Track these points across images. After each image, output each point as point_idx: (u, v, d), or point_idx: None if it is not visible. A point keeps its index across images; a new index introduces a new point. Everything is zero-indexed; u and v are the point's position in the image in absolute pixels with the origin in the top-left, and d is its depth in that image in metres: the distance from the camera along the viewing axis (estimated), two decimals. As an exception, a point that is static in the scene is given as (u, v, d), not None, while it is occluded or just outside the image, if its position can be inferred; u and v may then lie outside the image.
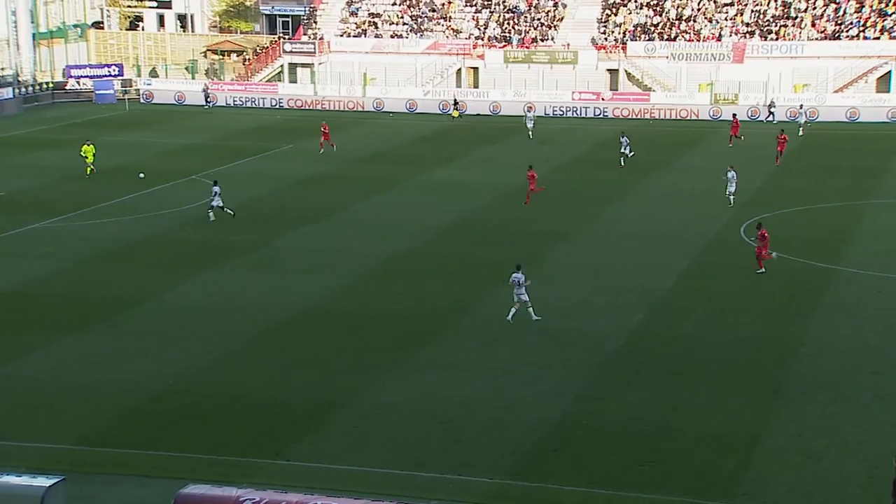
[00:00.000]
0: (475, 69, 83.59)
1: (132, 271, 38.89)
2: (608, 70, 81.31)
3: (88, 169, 55.14)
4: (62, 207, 47.99)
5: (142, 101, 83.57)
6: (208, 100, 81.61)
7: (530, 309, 32.67)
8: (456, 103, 77.22)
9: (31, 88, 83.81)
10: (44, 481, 20.18)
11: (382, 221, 46.38)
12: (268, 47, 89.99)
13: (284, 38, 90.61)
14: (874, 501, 22.13)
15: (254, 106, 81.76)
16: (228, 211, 45.55)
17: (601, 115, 77.15)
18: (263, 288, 36.84)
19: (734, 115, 67.24)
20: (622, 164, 57.69)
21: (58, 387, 28.34)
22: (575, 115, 77.48)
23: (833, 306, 34.86)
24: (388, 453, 24.74)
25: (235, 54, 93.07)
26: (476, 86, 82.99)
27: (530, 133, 67.24)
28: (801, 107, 70.66)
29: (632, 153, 58.44)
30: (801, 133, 67.39)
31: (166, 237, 43.84)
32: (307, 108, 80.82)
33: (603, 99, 78.49)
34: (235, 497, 19.66)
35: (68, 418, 26.58)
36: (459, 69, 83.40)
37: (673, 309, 34.97)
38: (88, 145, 55.84)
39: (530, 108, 72.35)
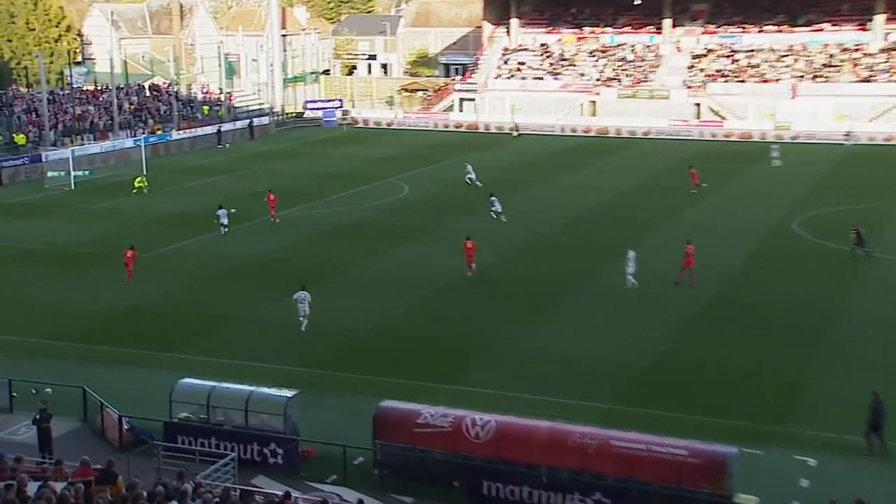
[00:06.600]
0: (594, 102, 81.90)
1: (345, 246, 39.37)
2: (695, 103, 78.53)
3: (135, 191, 50.01)
4: (301, 200, 48.87)
5: (355, 125, 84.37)
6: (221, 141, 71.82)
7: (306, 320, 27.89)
8: (516, 126, 76.13)
9: (281, 117, 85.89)
10: (287, 393, 20.67)
11: (525, 212, 45.78)
12: (444, 86, 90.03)
13: (456, 80, 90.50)
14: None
15: (434, 129, 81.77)
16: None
17: (689, 136, 74.50)
18: (438, 258, 36.87)
19: (690, 166, 52.22)
20: (496, 218, 42.91)
21: (292, 327, 28.65)
22: (668, 137, 75.03)
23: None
24: (526, 383, 24.51)
25: (421, 91, 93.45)
26: (594, 114, 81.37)
27: (470, 181, 51.81)
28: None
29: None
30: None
31: (371, 222, 44.30)
32: (472, 130, 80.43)
33: (689, 124, 75.95)
34: (418, 410, 19.75)
35: (304, 349, 27.07)
36: (582, 103, 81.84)
37: (742, 281, 33.64)
38: (141, 177, 51.07)
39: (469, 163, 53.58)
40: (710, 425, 21.59)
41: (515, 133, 76.15)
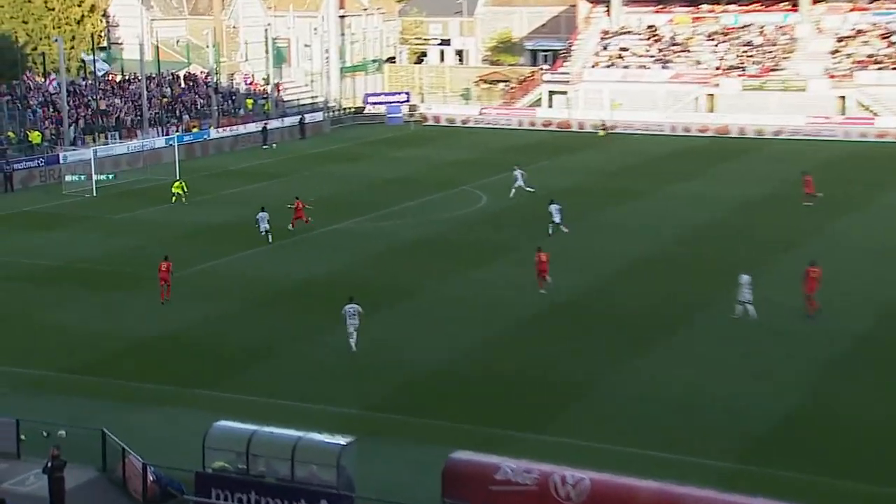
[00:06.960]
0: (712, 95, 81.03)
1: (411, 265, 39.60)
2: (839, 97, 76.97)
3: (174, 198, 51.67)
4: (360, 210, 49.48)
5: (424, 123, 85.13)
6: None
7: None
8: (604, 124, 77.00)
9: (337, 112, 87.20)
10: (340, 440, 20.77)
11: (626, 227, 45.46)
12: (530, 77, 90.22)
13: (544, 69, 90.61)
14: None
15: (518, 128, 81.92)
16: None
17: (832, 136, 72.92)
18: (521, 281, 36.70)
19: (804, 173, 51.45)
20: (550, 233, 42.53)
21: (348, 362, 29.03)
22: (805, 137, 73.55)
23: None
24: (627, 433, 24.16)
25: (503, 83, 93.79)
26: (712, 110, 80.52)
27: (517, 189, 52.09)
28: None
29: (563, 225, 42.95)
30: None
31: (442, 237, 44.46)
32: (563, 129, 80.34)
33: (832, 122, 74.50)
34: (496, 464, 19.66)
35: (361, 388, 27.26)
36: (697, 97, 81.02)
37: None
38: (179, 182, 52.77)
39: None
40: (857, 493, 21.00)
41: (602, 132, 75.89)
